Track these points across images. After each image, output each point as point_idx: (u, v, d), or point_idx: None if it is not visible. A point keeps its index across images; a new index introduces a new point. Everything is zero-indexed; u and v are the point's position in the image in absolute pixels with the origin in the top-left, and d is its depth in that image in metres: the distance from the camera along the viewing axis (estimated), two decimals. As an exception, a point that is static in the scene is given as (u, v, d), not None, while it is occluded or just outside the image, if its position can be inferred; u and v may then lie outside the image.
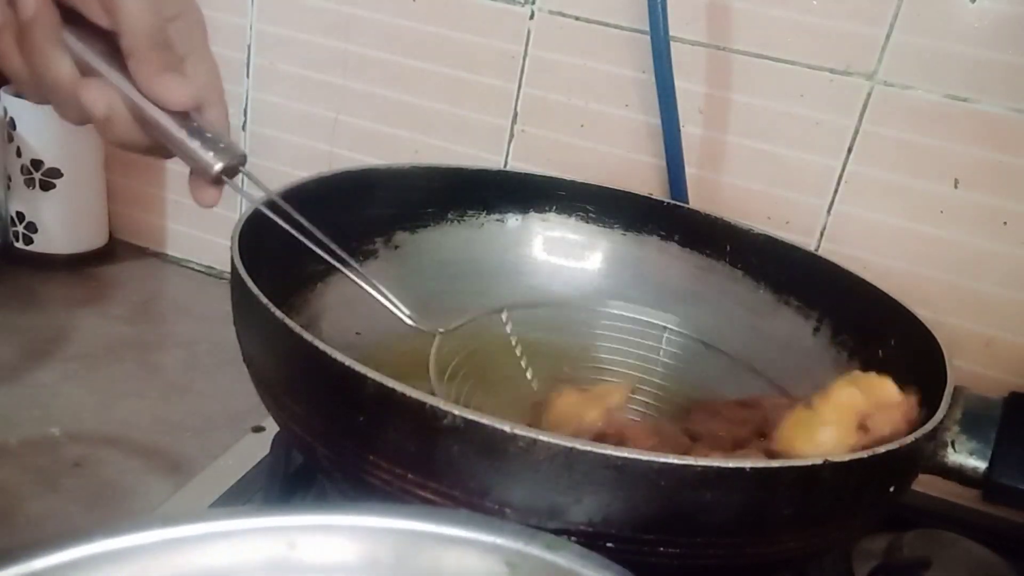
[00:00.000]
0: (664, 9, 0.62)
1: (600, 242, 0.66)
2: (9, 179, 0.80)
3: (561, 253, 0.66)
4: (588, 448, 0.34)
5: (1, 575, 0.26)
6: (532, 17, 0.69)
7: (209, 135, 0.40)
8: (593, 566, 0.29)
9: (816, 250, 0.66)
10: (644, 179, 0.69)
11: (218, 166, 0.40)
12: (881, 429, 0.41)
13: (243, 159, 0.41)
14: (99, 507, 0.55)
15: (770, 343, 0.60)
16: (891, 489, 0.41)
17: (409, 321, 0.49)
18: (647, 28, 0.64)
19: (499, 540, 0.30)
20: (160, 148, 0.41)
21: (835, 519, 0.40)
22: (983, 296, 0.64)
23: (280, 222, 0.45)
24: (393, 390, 0.36)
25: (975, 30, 0.59)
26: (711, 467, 0.35)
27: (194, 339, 0.75)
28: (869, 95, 0.63)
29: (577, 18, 0.68)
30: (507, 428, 0.34)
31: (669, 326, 0.63)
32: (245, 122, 0.81)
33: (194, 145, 0.40)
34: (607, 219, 0.66)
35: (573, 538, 0.36)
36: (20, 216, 0.80)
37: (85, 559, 0.27)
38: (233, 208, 0.84)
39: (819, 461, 0.36)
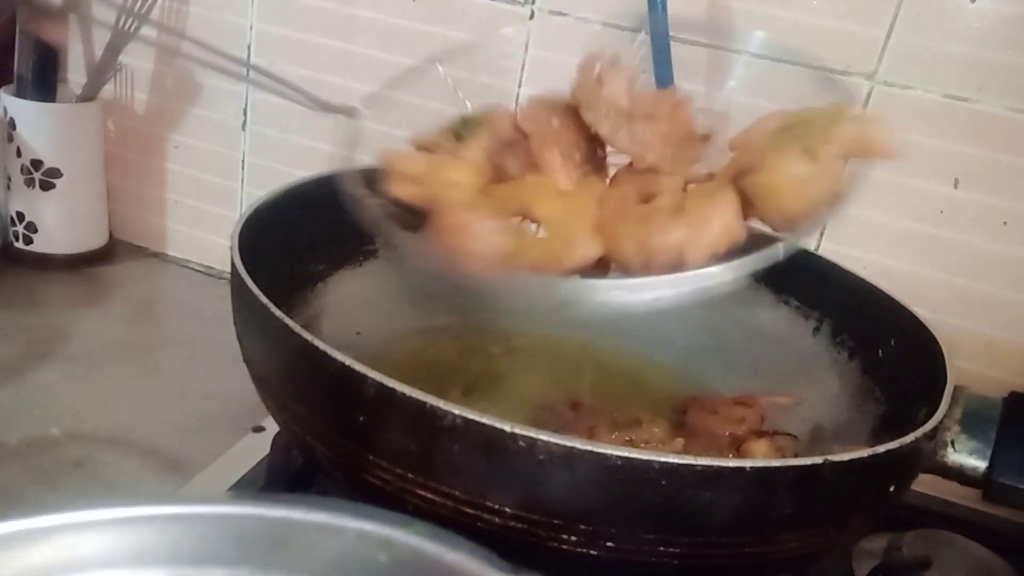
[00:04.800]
0: (664, 9, 0.62)
1: (600, 242, 0.66)
2: (9, 179, 0.80)
3: (561, 253, 0.66)
4: (588, 448, 0.34)
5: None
6: (532, 17, 0.69)
7: None
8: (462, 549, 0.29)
9: (816, 250, 0.66)
10: (644, 179, 0.69)
11: None
12: None
13: None
14: (99, 507, 0.55)
15: (770, 343, 0.60)
16: (891, 489, 0.41)
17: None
18: (647, 28, 0.64)
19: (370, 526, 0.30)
20: None
21: (835, 519, 0.40)
22: (983, 296, 0.64)
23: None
24: (393, 390, 0.36)
25: (975, 30, 0.59)
26: (711, 467, 0.35)
27: (194, 339, 0.75)
28: (869, 95, 0.63)
29: (577, 18, 0.68)
30: (507, 428, 0.34)
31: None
32: (245, 122, 0.81)
33: None
34: (607, 219, 0.65)
35: (573, 537, 0.36)
36: (20, 216, 0.80)
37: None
38: (233, 208, 0.85)
39: (819, 461, 0.36)
